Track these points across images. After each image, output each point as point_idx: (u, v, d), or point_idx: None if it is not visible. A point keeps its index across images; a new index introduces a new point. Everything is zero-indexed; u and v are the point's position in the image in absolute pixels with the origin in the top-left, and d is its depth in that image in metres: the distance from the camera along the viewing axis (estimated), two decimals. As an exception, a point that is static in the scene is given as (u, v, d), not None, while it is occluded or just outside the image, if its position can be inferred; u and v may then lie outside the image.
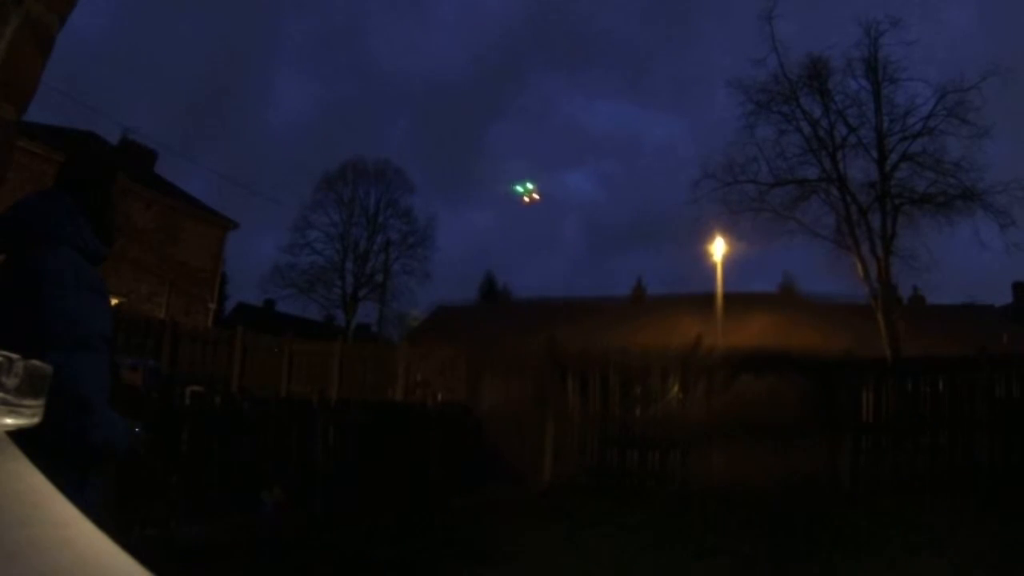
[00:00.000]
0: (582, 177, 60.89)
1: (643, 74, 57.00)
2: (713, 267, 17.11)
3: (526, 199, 24.01)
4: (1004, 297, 25.27)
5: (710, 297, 16.98)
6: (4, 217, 1.74)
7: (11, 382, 0.57)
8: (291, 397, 11.72)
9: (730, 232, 17.27)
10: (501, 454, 9.44)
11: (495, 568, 5.08)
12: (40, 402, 0.61)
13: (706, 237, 17.35)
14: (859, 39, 16.84)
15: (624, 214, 51.93)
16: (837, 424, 8.78)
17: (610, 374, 10.03)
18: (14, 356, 0.58)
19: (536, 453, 9.78)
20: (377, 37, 60.26)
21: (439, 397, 11.23)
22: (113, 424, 1.64)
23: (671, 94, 54.42)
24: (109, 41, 50.38)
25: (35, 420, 0.60)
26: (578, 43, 61.72)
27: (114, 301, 15.75)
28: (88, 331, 1.63)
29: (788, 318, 17.02)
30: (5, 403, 0.57)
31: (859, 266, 16.28)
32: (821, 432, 8.69)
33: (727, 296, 17.02)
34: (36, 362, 0.61)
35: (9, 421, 0.58)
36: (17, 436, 0.60)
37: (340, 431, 7.60)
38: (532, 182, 25.80)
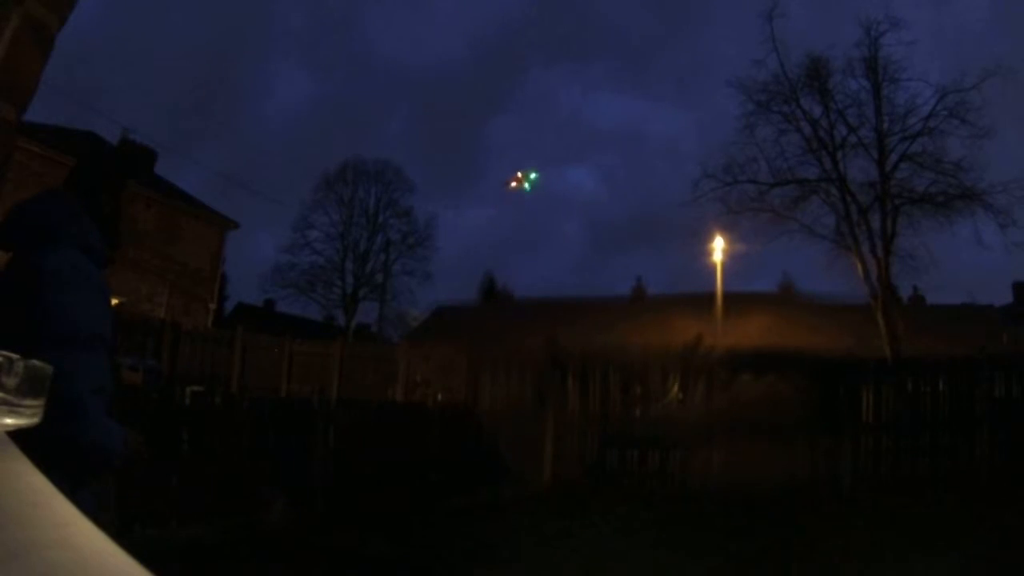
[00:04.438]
0: (583, 174, 60.86)
1: (645, 69, 56.94)
2: (713, 267, 17.13)
3: (513, 184, 21.96)
4: (1004, 297, 25.25)
5: (710, 297, 16.98)
6: (10, 215, 1.74)
7: (11, 382, 0.57)
8: (291, 397, 11.72)
9: (730, 232, 17.27)
10: (501, 454, 9.45)
11: (495, 568, 5.08)
12: (40, 402, 0.61)
13: (706, 237, 17.35)
14: (859, 39, 16.82)
15: (624, 213, 51.85)
16: (837, 424, 8.78)
17: (610, 374, 10.03)
18: (14, 356, 0.58)
19: (536, 453, 9.78)
20: (375, 31, 60.25)
21: (439, 397, 11.23)
22: (108, 430, 1.60)
23: (673, 89, 54.43)
24: (108, 40, 50.39)
25: (35, 420, 0.60)
26: (579, 36, 61.71)
27: (114, 301, 15.71)
28: (86, 330, 1.61)
29: (788, 318, 17.01)
30: (5, 403, 0.57)
31: (859, 266, 16.27)
32: (821, 432, 8.70)
33: (727, 296, 17.02)
34: (36, 362, 0.61)
35: (9, 421, 0.58)
36: (12, 438, 0.60)
37: (340, 431, 7.60)
38: (535, 175, 23.58)
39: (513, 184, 22.26)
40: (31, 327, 1.54)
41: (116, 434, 1.64)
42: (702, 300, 17.36)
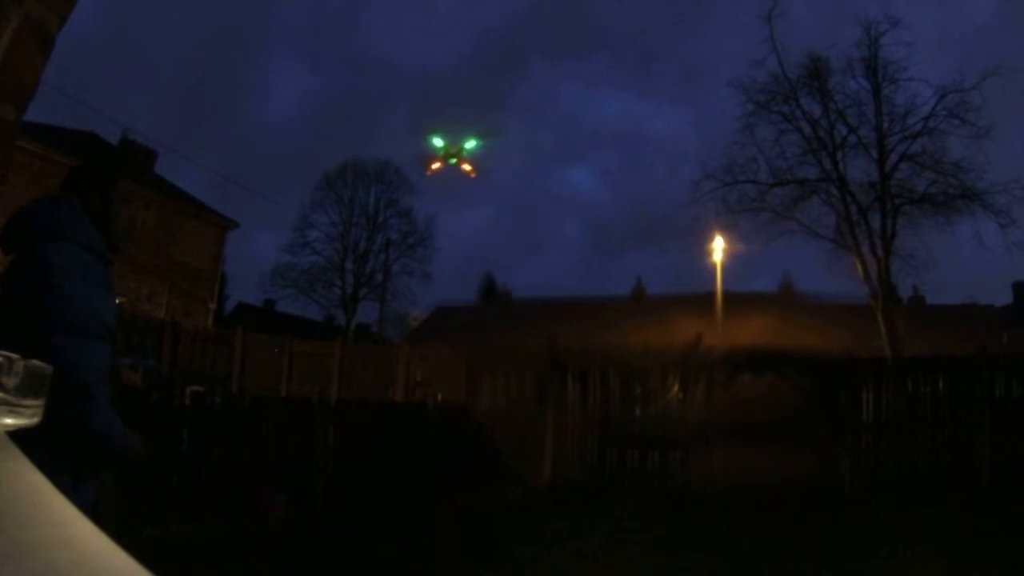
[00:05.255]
0: (583, 174, 60.91)
1: (646, 68, 56.86)
2: (713, 267, 17.12)
3: (441, 163, 16.42)
4: (1004, 297, 25.29)
5: (710, 297, 16.98)
6: (13, 218, 1.81)
7: (11, 382, 0.57)
8: (291, 397, 11.72)
9: (730, 232, 17.28)
10: (501, 454, 9.45)
11: (495, 569, 5.08)
12: (40, 402, 0.61)
13: (706, 237, 17.36)
14: (859, 39, 16.82)
15: (625, 213, 51.90)
16: (837, 424, 8.77)
17: (610, 374, 10.03)
18: (14, 356, 0.58)
19: (536, 453, 9.78)
20: (375, 30, 60.25)
21: (439, 397, 11.22)
22: (111, 417, 1.67)
23: (674, 88, 54.33)
24: (108, 40, 50.40)
25: (35, 420, 0.60)
26: (579, 35, 61.69)
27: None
28: (94, 319, 1.68)
29: (788, 318, 17.00)
30: (5, 403, 0.57)
31: (859, 266, 16.28)
32: (821, 432, 8.69)
33: (727, 296, 17.02)
34: (36, 362, 0.61)
35: (9, 421, 0.58)
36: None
37: (340, 431, 7.60)
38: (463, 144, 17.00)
39: (436, 166, 17.36)
40: (43, 314, 1.61)
41: (119, 423, 1.71)
42: (702, 300, 17.36)
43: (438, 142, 17.02)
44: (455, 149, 16.69)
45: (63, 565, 0.40)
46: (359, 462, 7.62)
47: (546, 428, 9.92)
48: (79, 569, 0.41)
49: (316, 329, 27.73)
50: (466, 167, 17.04)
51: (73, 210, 1.81)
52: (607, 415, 9.89)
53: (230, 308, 32.74)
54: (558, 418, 9.98)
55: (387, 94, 57.89)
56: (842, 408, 8.92)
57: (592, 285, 63.14)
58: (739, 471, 8.22)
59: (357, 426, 7.98)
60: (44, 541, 0.43)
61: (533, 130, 59.83)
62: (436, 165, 17.24)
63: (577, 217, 60.56)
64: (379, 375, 13.65)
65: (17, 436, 0.60)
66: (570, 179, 58.50)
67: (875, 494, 8.01)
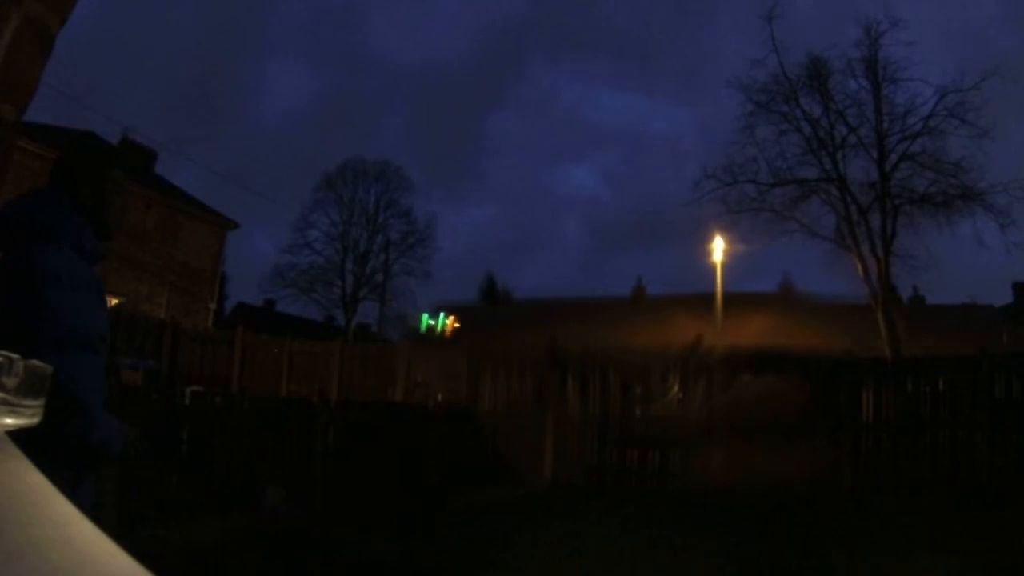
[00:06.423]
0: (583, 173, 61.06)
1: (647, 67, 57.00)
2: (713, 267, 17.11)
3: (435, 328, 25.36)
4: (1004, 297, 25.28)
5: (710, 297, 16.96)
6: (0, 215, 1.72)
7: (11, 382, 0.57)
8: (291, 397, 11.71)
9: (730, 232, 17.29)
10: (501, 454, 9.45)
11: (494, 569, 5.08)
12: (40, 402, 0.61)
13: (706, 237, 17.37)
14: (859, 39, 16.85)
15: (625, 213, 51.98)
16: (837, 424, 8.77)
17: (610, 374, 10.03)
18: (14, 356, 0.58)
19: (536, 453, 9.78)
20: (376, 29, 60.34)
21: (439, 397, 11.22)
22: (108, 426, 1.63)
23: (675, 87, 54.43)
24: (108, 40, 50.41)
25: (35, 420, 0.60)
26: (580, 34, 61.71)
27: (114, 301, 15.73)
28: (84, 330, 1.62)
29: (788, 318, 16.99)
30: (5, 403, 0.57)
31: (859, 266, 16.30)
32: (821, 432, 8.69)
33: (727, 296, 17.00)
34: (36, 362, 0.61)
35: (9, 421, 0.58)
36: (12, 436, 0.60)
37: (340, 431, 7.60)
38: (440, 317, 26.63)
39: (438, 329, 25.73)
40: (30, 328, 1.55)
41: (115, 429, 1.66)
42: (702, 300, 17.34)
43: (427, 319, 26.71)
44: (436, 322, 26.09)
45: (63, 565, 0.40)
46: (359, 462, 7.62)
47: (546, 428, 9.93)
48: (79, 569, 0.40)
49: (316, 329, 27.73)
50: (449, 325, 26.19)
51: (62, 207, 1.71)
52: (607, 415, 9.89)
53: (230, 308, 32.76)
54: (558, 418, 9.99)
55: (388, 94, 57.96)
56: (842, 408, 8.92)
57: (592, 285, 63.22)
58: (739, 471, 8.22)
59: (357, 426, 7.97)
60: (44, 541, 0.43)
61: (534, 129, 59.90)
62: (437, 328, 26.42)
63: (578, 217, 60.67)
64: (379, 375, 13.64)
65: (17, 437, 0.60)
66: (571, 179, 58.62)
67: (875, 494, 8.01)
